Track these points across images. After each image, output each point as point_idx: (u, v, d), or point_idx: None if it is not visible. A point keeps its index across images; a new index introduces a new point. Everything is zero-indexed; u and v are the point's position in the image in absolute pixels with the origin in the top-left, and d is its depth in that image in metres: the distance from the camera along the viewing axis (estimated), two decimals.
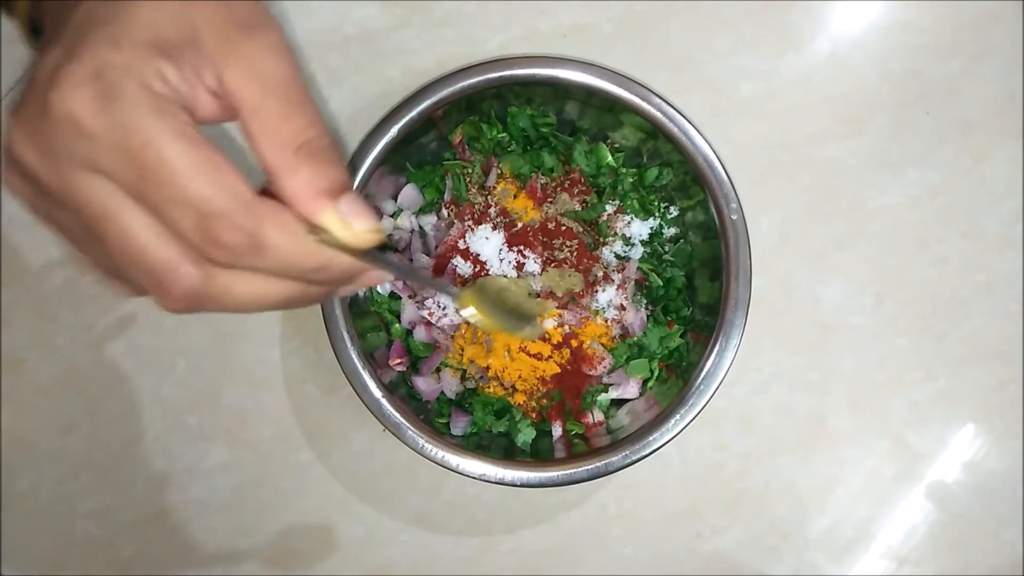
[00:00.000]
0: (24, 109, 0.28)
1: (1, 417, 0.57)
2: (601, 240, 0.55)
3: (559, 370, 0.54)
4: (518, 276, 0.54)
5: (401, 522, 0.58)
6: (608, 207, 0.55)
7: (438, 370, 0.55)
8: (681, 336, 0.54)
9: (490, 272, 0.54)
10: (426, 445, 0.49)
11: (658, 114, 0.50)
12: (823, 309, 0.60)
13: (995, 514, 0.60)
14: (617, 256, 0.55)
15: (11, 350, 0.57)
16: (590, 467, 0.49)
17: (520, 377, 0.53)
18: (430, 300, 0.54)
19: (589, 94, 0.51)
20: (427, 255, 0.55)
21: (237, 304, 0.29)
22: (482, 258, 0.54)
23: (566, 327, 0.54)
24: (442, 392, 0.55)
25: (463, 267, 0.54)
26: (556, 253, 0.54)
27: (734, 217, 0.50)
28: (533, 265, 0.54)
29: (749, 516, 0.59)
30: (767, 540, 0.60)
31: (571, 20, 0.59)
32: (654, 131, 0.51)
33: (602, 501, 0.59)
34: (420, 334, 0.55)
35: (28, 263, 0.57)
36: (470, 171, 0.56)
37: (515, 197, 0.55)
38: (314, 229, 0.29)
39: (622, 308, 0.54)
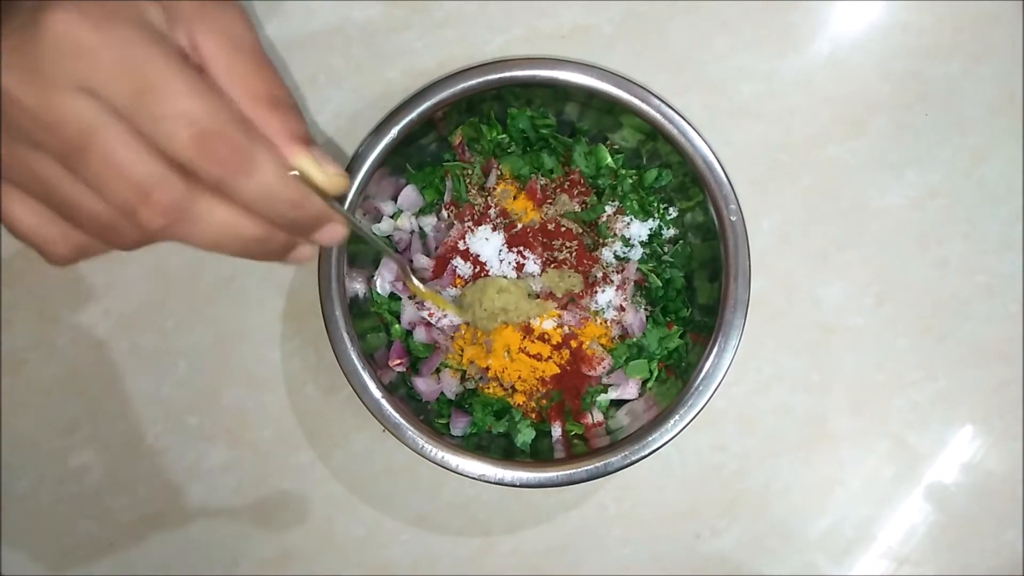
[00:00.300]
0: (6, 35, 0.28)
1: (1, 417, 0.57)
2: (600, 241, 0.55)
3: (558, 371, 0.54)
4: (518, 277, 0.54)
5: (401, 522, 0.59)
6: (607, 208, 0.55)
7: (438, 371, 0.55)
8: (680, 337, 0.54)
9: (490, 273, 0.54)
10: (426, 446, 0.49)
11: (657, 115, 0.50)
12: (823, 310, 0.60)
13: (995, 515, 0.60)
14: (616, 257, 0.55)
15: (12, 350, 0.57)
16: (589, 467, 0.49)
17: (520, 378, 0.54)
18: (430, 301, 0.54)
19: (589, 96, 0.51)
20: (427, 256, 0.55)
21: (206, 234, 0.30)
22: (482, 259, 0.54)
23: (566, 328, 0.54)
24: (442, 393, 0.55)
25: (463, 268, 0.54)
26: (556, 254, 0.54)
27: (733, 218, 0.50)
28: (533, 266, 0.54)
29: (749, 517, 0.59)
30: (767, 541, 0.60)
31: (571, 21, 0.59)
32: (653, 132, 0.51)
33: (602, 501, 0.59)
34: (420, 335, 0.55)
35: (28, 263, 0.57)
36: (470, 172, 0.56)
37: (515, 198, 0.55)
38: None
39: (621, 309, 0.55)
